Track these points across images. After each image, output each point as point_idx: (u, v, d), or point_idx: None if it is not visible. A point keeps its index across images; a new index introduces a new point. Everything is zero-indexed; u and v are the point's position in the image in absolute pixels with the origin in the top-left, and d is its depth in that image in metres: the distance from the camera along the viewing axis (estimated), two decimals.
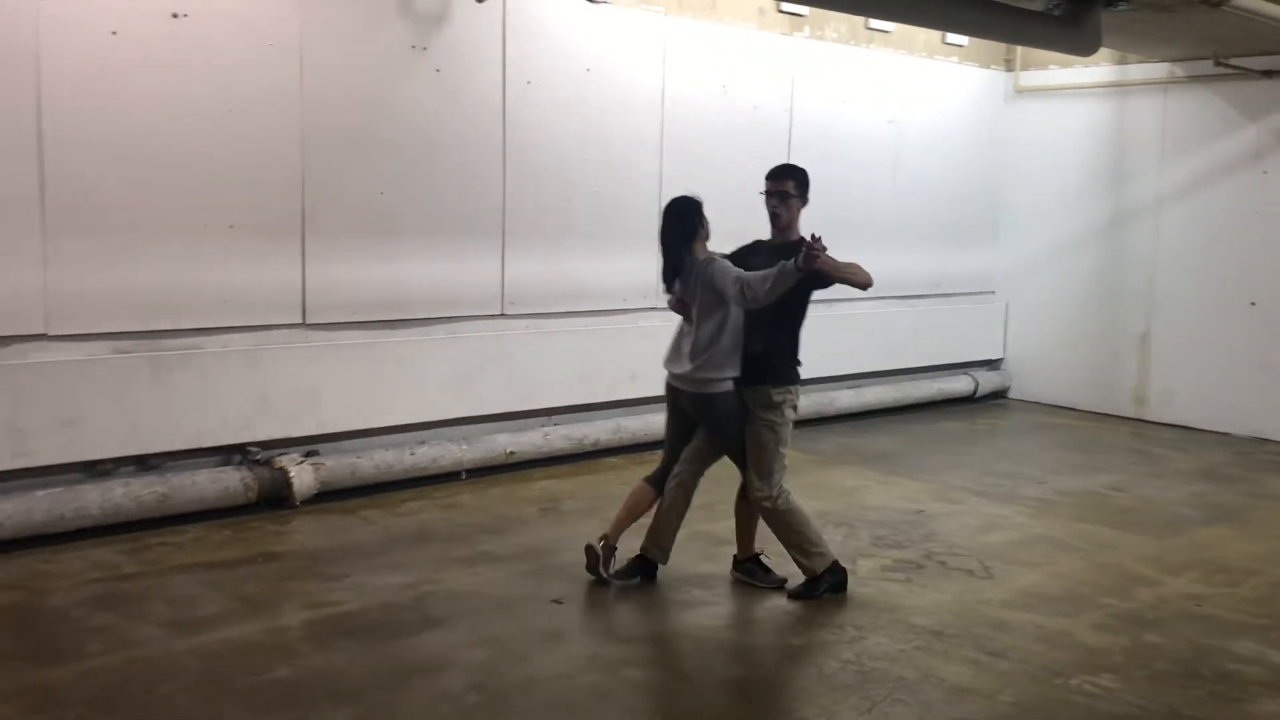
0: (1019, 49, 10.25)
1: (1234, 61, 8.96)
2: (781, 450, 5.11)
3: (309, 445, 6.61)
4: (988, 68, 10.43)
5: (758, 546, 5.36)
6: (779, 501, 5.09)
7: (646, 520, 5.35)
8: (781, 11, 8.65)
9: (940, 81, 10.05)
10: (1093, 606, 5.23)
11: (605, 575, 5.19)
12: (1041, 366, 10.66)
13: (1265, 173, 9.14)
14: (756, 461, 5.06)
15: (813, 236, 4.68)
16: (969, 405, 10.42)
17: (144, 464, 6.09)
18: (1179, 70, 9.51)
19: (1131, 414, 9.99)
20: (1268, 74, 8.96)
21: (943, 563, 5.79)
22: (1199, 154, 9.53)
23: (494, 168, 7.29)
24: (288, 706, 3.98)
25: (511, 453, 7.24)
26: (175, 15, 5.96)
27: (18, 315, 5.64)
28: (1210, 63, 9.06)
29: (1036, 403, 10.64)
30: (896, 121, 9.72)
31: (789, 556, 5.23)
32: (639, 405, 7.83)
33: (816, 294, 9.35)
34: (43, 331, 5.72)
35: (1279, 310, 9.17)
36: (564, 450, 7.46)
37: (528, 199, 7.41)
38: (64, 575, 5.20)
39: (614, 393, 7.85)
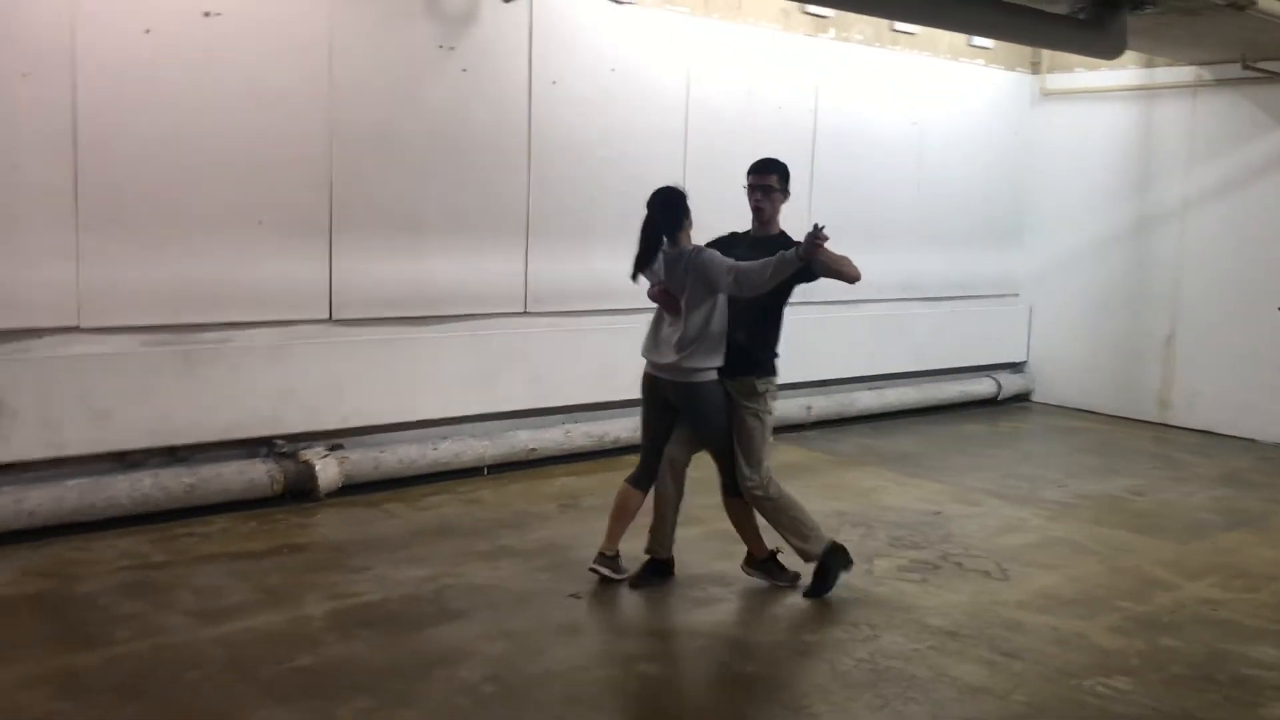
0: (1045, 52, 10.22)
1: (1263, 65, 8.92)
2: (768, 438, 5.15)
3: (334, 439, 6.70)
4: (1013, 70, 10.41)
5: (771, 545, 5.38)
6: (770, 489, 5.13)
7: (643, 519, 5.34)
8: (806, 13, 8.68)
9: (965, 84, 10.05)
10: (1109, 609, 5.24)
11: (617, 578, 5.24)
12: (1065, 369, 10.64)
13: None
14: (746, 449, 5.09)
15: (816, 226, 4.71)
16: (991, 408, 10.41)
17: (173, 455, 6.19)
18: (1207, 74, 9.47)
19: (1155, 418, 9.96)
20: None
21: (959, 564, 5.81)
22: (1226, 158, 9.50)
23: (519, 166, 7.36)
24: (309, 694, 4.05)
25: (533, 449, 7.32)
26: (207, 14, 6.06)
27: (50, 308, 5.75)
28: (1238, 66, 9.02)
29: (1060, 406, 10.61)
30: (921, 123, 9.72)
31: (785, 544, 5.24)
32: None
33: (841, 295, 9.41)
34: (75, 324, 5.83)
35: None
36: (584, 447, 7.52)
37: (552, 198, 7.47)
38: (94, 563, 5.31)
39: (634, 391, 7.80)
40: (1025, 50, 10.26)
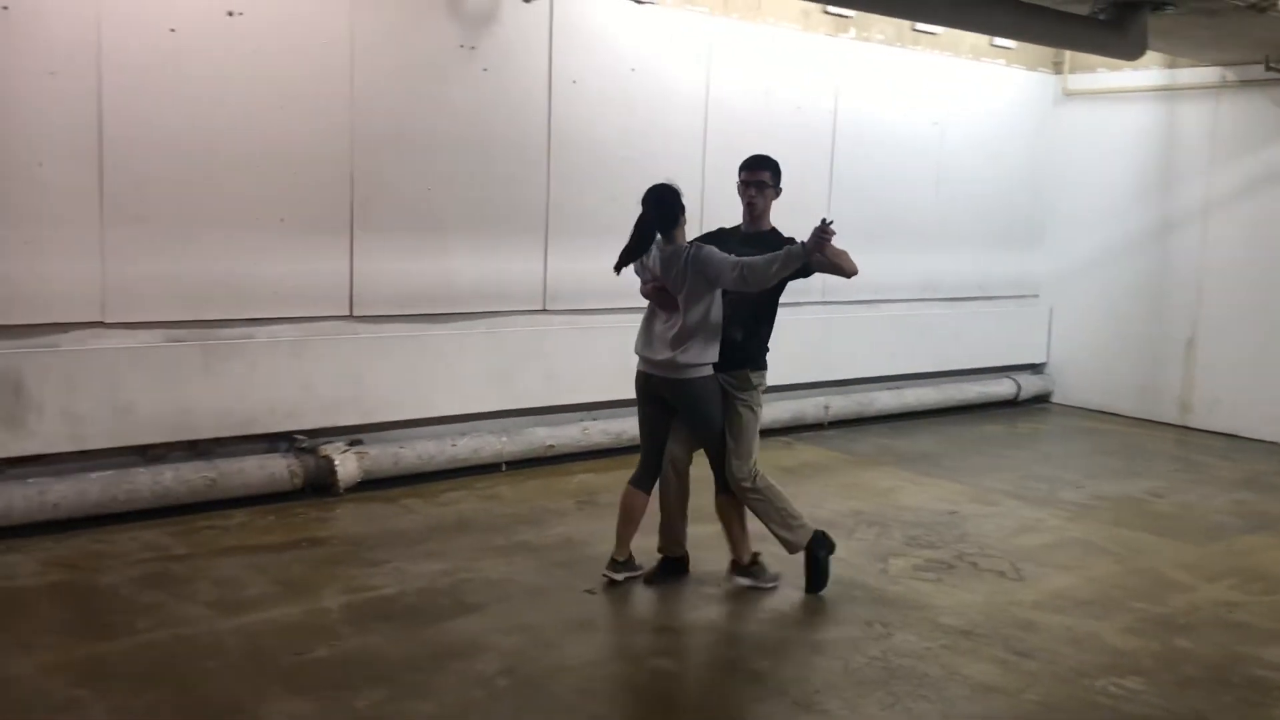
0: (1068, 52, 10.19)
1: None
2: (758, 430, 5.18)
3: (353, 434, 6.77)
4: (1035, 70, 10.38)
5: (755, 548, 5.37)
6: (757, 480, 5.15)
7: (653, 519, 5.35)
8: (827, 13, 8.68)
9: (987, 84, 10.02)
10: (1124, 610, 5.23)
11: (633, 574, 5.26)
12: (1085, 371, 10.60)
13: None
14: (737, 441, 5.10)
15: (824, 221, 4.73)
16: (1011, 409, 10.38)
17: (194, 449, 6.27)
18: (1230, 74, 9.42)
19: (1176, 421, 9.91)
20: None
21: (974, 563, 5.82)
22: (1249, 159, 9.44)
23: (538, 165, 7.40)
24: (326, 685, 4.11)
25: (550, 446, 7.36)
26: (231, 13, 6.12)
27: (75, 303, 5.83)
28: (1262, 67, 8.97)
29: (1080, 408, 10.57)
30: (941, 123, 9.71)
31: (772, 537, 5.25)
32: None
33: (861, 295, 9.42)
34: (99, 319, 5.91)
35: None
36: (602, 444, 7.56)
37: (571, 197, 7.51)
38: (116, 555, 5.38)
39: None
40: (1047, 50, 10.23)
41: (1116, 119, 10.23)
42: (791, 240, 5.13)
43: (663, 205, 5.02)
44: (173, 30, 5.95)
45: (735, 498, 5.17)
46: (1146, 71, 9.75)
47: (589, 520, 6.22)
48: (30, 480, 5.63)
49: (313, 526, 5.97)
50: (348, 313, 6.75)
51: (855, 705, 4.13)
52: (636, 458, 5.33)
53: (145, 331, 6.07)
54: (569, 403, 7.62)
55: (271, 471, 6.27)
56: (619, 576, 5.24)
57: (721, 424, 5.11)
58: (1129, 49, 7.63)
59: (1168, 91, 9.86)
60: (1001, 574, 5.68)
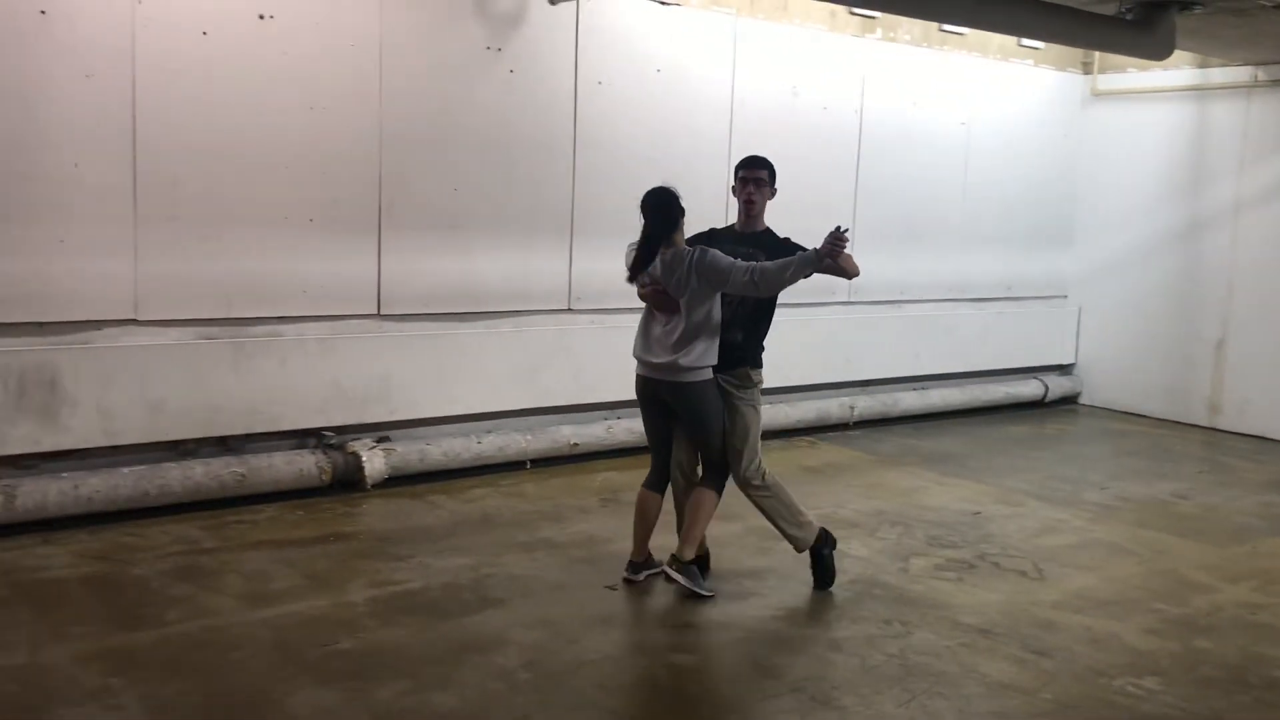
0: (1097, 52, 10.14)
1: None
2: (760, 428, 5.21)
3: (381, 431, 6.86)
4: (1064, 70, 10.34)
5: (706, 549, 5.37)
6: (766, 477, 5.18)
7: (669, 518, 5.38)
8: (853, 13, 8.69)
9: (1015, 84, 10.00)
10: (1144, 611, 5.23)
11: (653, 571, 5.30)
12: (1114, 372, 10.55)
13: None
14: (742, 441, 5.13)
15: (839, 228, 4.75)
16: (1038, 410, 10.36)
17: (224, 445, 6.37)
18: (1262, 74, 9.36)
19: (1205, 422, 9.85)
20: None
21: (996, 563, 5.83)
22: None
23: (564, 166, 7.47)
24: (350, 676, 4.18)
25: (575, 444, 7.43)
26: (262, 16, 6.23)
27: (109, 301, 5.95)
28: None
29: (1108, 409, 10.53)
30: (969, 124, 9.70)
31: (780, 535, 5.28)
32: None
33: (887, 295, 9.42)
34: (132, 317, 6.03)
35: None
36: (626, 443, 7.60)
37: (596, 197, 7.57)
38: (147, 548, 5.49)
39: None
40: (1076, 50, 10.19)
41: (1146, 119, 10.17)
42: (786, 240, 5.17)
43: (664, 210, 5.03)
44: (204, 33, 6.06)
45: (714, 490, 5.16)
46: (1177, 71, 9.70)
47: (612, 518, 6.28)
48: (65, 474, 5.75)
49: (340, 522, 6.06)
50: (375, 311, 6.84)
51: (871, 702, 4.16)
52: None
53: (177, 329, 6.18)
54: (593, 401, 7.67)
55: (300, 467, 6.36)
56: (639, 577, 5.28)
57: (721, 427, 5.13)
58: (1156, 49, 7.61)
59: (1198, 91, 9.80)
60: (1023, 574, 5.69)
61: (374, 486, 6.55)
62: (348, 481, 6.54)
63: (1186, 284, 9.98)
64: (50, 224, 5.74)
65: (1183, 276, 10.00)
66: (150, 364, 6.04)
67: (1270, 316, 9.44)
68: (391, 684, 4.13)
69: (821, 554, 5.31)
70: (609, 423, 7.65)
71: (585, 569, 5.47)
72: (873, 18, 8.80)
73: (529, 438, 7.27)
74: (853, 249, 8.68)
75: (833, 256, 4.79)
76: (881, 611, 5.08)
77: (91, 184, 5.83)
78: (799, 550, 5.31)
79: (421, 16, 6.80)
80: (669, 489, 5.33)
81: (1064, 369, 10.84)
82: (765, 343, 5.28)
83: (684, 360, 4.99)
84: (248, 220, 6.32)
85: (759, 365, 5.25)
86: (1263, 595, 5.54)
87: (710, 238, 5.26)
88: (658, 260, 5.07)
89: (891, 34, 9.07)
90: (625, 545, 5.44)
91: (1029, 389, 10.36)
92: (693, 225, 5.35)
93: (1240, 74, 9.49)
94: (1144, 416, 10.19)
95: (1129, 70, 10.13)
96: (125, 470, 5.89)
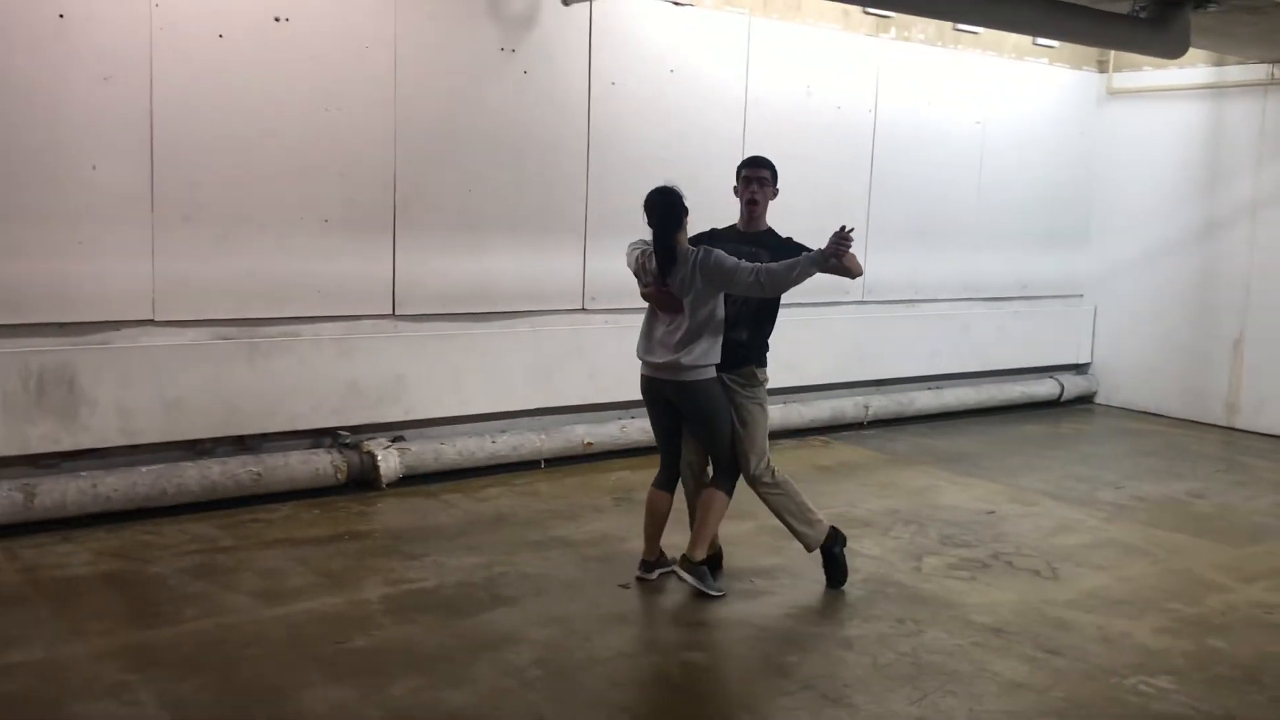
0: (1112, 51, 10.11)
1: None
2: (768, 427, 5.22)
3: (396, 431, 6.90)
4: (1080, 69, 10.32)
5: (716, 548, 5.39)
6: (776, 475, 5.20)
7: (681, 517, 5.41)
8: (867, 12, 8.70)
9: (1030, 83, 9.98)
10: (1158, 610, 5.22)
11: (665, 570, 5.33)
12: (1130, 371, 10.51)
13: None
14: (751, 439, 5.14)
15: (844, 228, 4.76)
16: (1054, 409, 10.33)
17: (241, 444, 6.42)
18: (1279, 71, 9.31)
19: (1222, 422, 9.81)
20: None
21: (1009, 562, 5.82)
22: None
23: (578, 167, 7.50)
24: (364, 673, 4.22)
25: (589, 443, 7.45)
26: (277, 19, 6.27)
27: (127, 301, 6.01)
28: None
29: (1124, 408, 10.49)
30: (984, 122, 9.69)
31: (790, 534, 5.29)
32: None
33: (901, 295, 9.41)
34: (150, 317, 6.08)
35: None
36: (640, 442, 7.62)
37: (610, 198, 7.59)
38: (164, 546, 5.54)
39: None
40: (1091, 49, 10.15)
41: (1162, 117, 10.13)
42: (789, 240, 5.18)
43: (671, 209, 5.03)
44: (221, 36, 6.11)
45: (724, 491, 5.18)
46: (1193, 69, 9.66)
47: (625, 516, 6.30)
48: (83, 473, 5.81)
49: (355, 520, 6.11)
50: (390, 311, 6.88)
51: (883, 700, 4.17)
52: None
53: (194, 329, 6.24)
54: (607, 401, 7.69)
55: (316, 467, 6.41)
56: (651, 576, 5.30)
57: (728, 425, 5.14)
58: (1171, 47, 7.58)
59: (1214, 89, 9.76)
60: (1036, 573, 5.68)
61: (389, 485, 6.59)
62: (363, 480, 6.58)
63: (1203, 282, 9.94)
64: (69, 226, 5.80)
65: (1199, 275, 9.96)
66: (168, 364, 6.10)
67: None
68: (405, 681, 4.16)
69: (833, 552, 5.32)
70: (623, 422, 7.68)
71: (598, 567, 5.49)
72: (887, 17, 8.80)
73: (543, 437, 7.30)
74: (866, 248, 8.82)
75: (838, 256, 4.80)
76: (894, 610, 5.09)
77: (109, 186, 5.89)
78: (809, 549, 5.32)
79: (436, 18, 6.84)
80: (679, 487, 5.35)
81: (1080, 368, 10.81)
82: (771, 341, 5.30)
83: (686, 360, 5.00)
84: (264, 221, 6.37)
85: (764, 364, 5.26)
86: (1278, 595, 5.52)
87: (712, 237, 5.27)
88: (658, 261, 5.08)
89: (905, 33, 9.07)
90: (638, 544, 5.45)
91: (1045, 388, 10.34)
92: (709, 224, 5.37)
93: (1256, 72, 9.45)
94: (1161, 416, 10.16)
95: (1144, 68, 10.10)
96: (143, 469, 5.95)
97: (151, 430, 6.09)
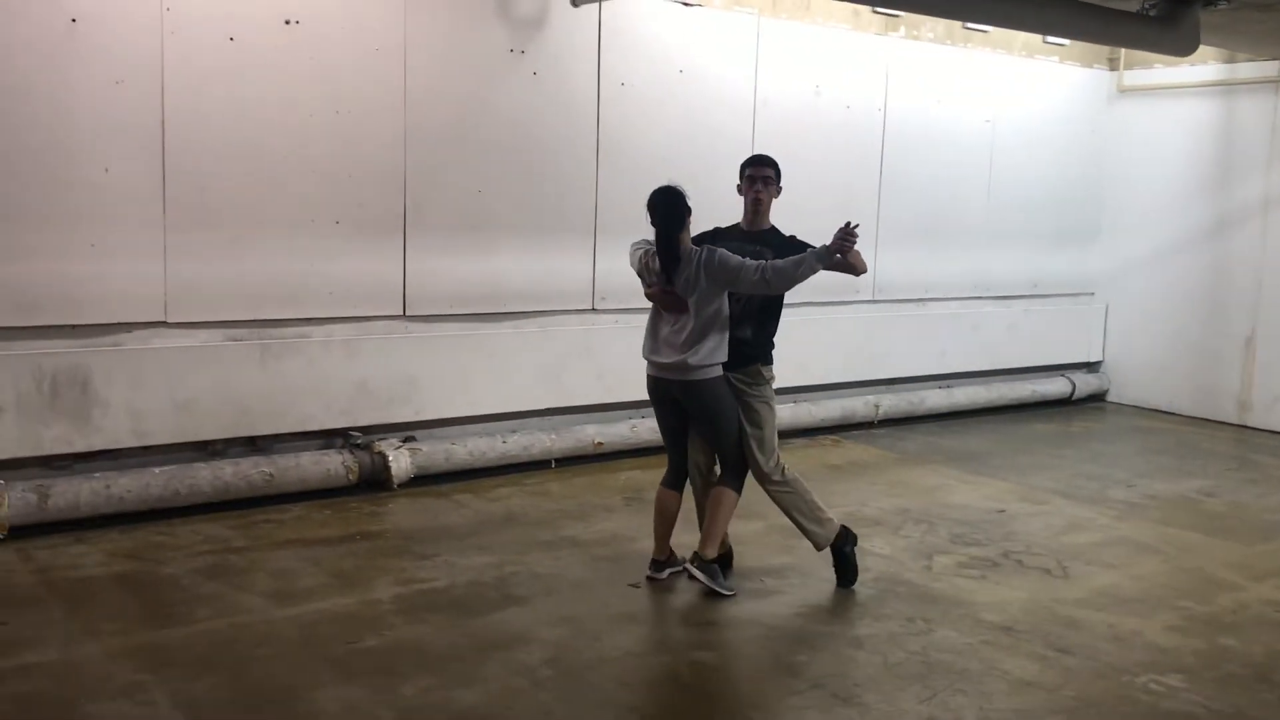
0: (1122, 49, 10.09)
1: None
2: (776, 425, 5.23)
3: (407, 431, 6.93)
4: (1090, 67, 10.29)
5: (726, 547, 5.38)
6: (785, 473, 5.20)
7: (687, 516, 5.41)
8: (876, 12, 8.69)
9: (1040, 81, 9.96)
10: (1169, 608, 5.22)
11: (675, 569, 5.34)
12: (1142, 369, 10.49)
13: None
14: (759, 438, 5.15)
15: (849, 224, 4.77)
16: (1065, 408, 10.31)
17: (253, 445, 6.46)
18: None
19: (1234, 420, 9.78)
20: None
21: (1019, 561, 5.82)
22: None
23: (588, 167, 7.51)
24: (375, 672, 4.24)
25: (599, 443, 7.47)
26: (288, 22, 6.30)
27: (139, 303, 6.05)
28: None
29: (1136, 406, 10.47)
30: (994, 121, 9.67)
31: (800, 532, 5.30)
32: None
33: (912, 294, 9.38)
34: (162, 319, 6.12)
35: None
36: (650, 442, 7.61)
37: (620, 198, 7.60)
38: (177, 546, 5.57)
39: None
40: (1102, 47, 10.13)
41: (1173, 115, 10.10)
42: (792, 238, 5.18)
43: (674, 210, 5.04)
44: (232, 39, 6.14)
45: (733, 489, 5.18)
46: (1204, 66, 9.63)
47: (635, 516, 6.31)
48: (97, 474, 5.84)
49: (366, 521, 6.13)
50: (401, 312, 6.91)
51: (893, 699, 4.18)
52: None
53: (205, 331, 6.27)
54: (617, 401, 7.70)
55: (327, 467, 6.43)
56: (661, 575, 5.32)
57: (735, 423, 5.14)
58: (1181, 45, 7.56)
59: (1225, 86, 9.73)
60: (1047, 572, 5.68)
61: (400, 486, 6.62)
62: (374, 481, 6.60)
63: (1215, 280, 9.91)
64: (82, 228, 5.84)
65: (1211, 272, 9.93)
66: (180, 365, 6.14)
67: None
68: (416, 680, 4.18)
69: (843, 551, 5.33)
70: (633, 422, 7.69)
71: (608, 567, 5.51)
72: (896, 16, 8.80)
73: (553, 437, 7.32)
74: (876, 247, 8.80)
75: (842, 253, 4.80)
76: (904, 609, 5.09)
77: (122, 189, 5.92)
78: (818, 547, 5.32)
79: (445, 20, 6.86)
80: (688, 486, 5.36)
81: (1091, 366, 10.79)
82: (780, 341, 5.30)
83: (693, 359, 5.01)
84: (275, 223, 6.40)
85: (770, 362, 5.27)
86: None
87: (715, 236, 5.28)
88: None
89: (915, 32, 9.06)
90: (648, 543, 5.46)
91: (1056, 387, 10.32)
92: (720, 224, 5.38)
93: (1268, 68, 9.42)
94: (1172, 414, 10.13)
95: (1155, 66, 10.07)
96: (156, 470, 5.98)
97: (164, 431, 6.12)
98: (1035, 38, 9.70)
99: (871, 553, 5.76)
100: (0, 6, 5.55)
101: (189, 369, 6.16)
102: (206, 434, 6.26)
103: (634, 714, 4.08)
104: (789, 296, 5.21)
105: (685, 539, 5.40)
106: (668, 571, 5.33)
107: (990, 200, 9.77)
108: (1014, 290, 10.15)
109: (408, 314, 6.93)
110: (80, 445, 5.91)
